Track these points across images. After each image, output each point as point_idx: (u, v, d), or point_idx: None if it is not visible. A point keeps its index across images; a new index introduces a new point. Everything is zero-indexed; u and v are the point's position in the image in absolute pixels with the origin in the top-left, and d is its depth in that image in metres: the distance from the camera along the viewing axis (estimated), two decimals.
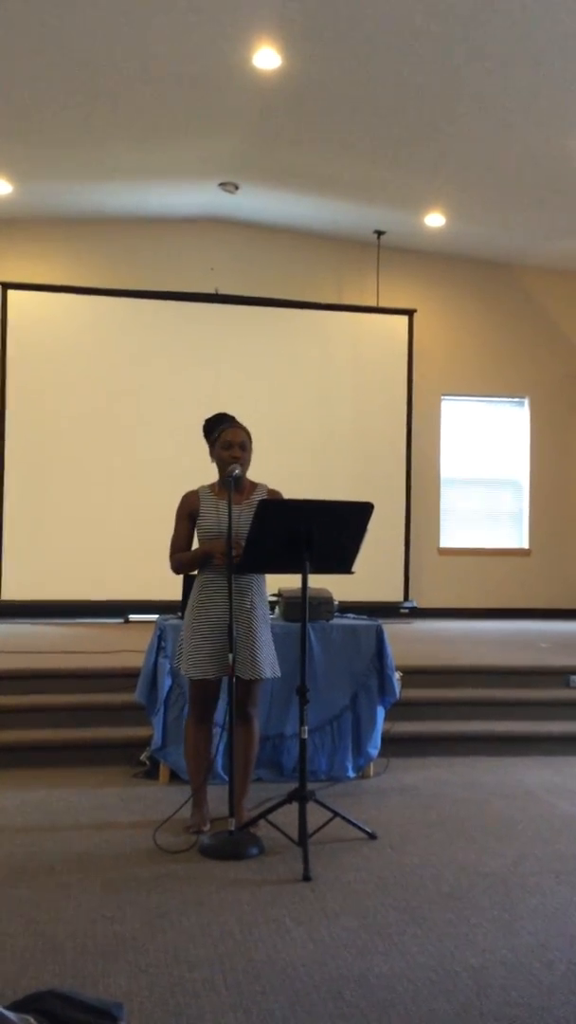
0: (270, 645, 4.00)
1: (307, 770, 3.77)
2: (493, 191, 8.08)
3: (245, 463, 3.96)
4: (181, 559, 3.99)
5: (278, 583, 4.49)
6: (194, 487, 4.07)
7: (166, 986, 2.58)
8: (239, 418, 4.08)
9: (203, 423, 4.10)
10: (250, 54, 5.99)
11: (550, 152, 7.18)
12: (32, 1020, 1.74)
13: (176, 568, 4.03)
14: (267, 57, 6.01)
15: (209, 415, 4.13)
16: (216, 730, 4.16)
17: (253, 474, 4.08)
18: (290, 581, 4.19)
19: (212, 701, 3.99)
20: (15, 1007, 1.88)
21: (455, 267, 9.85)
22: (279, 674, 4.04)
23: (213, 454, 4.03)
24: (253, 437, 4.03)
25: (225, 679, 3.87)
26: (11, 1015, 1.65)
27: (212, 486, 4.05)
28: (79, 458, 8.65)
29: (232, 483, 3.84)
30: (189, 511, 3.99)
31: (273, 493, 4.03)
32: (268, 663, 3.95)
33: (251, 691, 3.98)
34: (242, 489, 3.99)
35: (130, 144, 7.51)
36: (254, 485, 4.06)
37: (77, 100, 6.66)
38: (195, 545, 4.01)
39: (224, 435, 3.96)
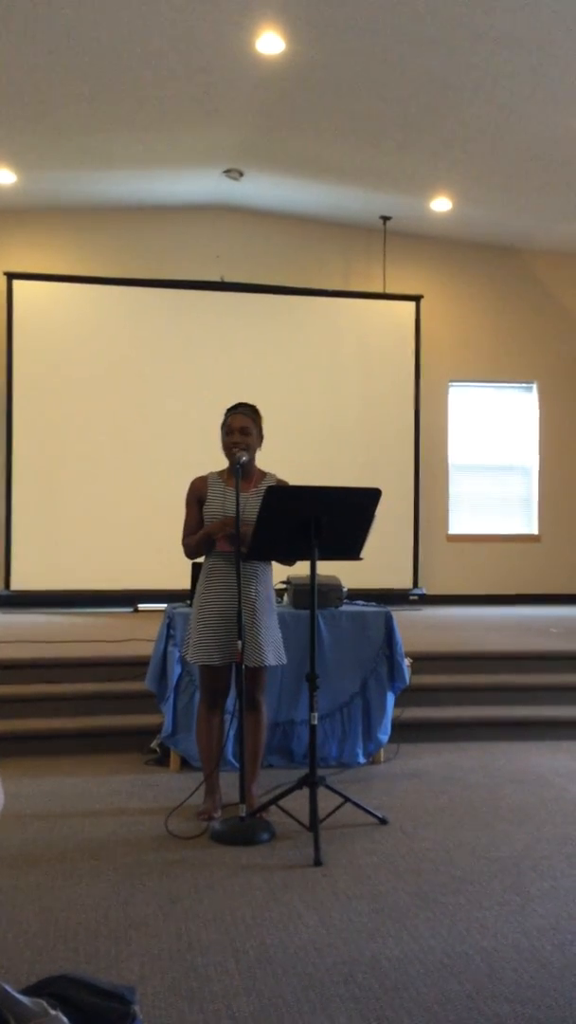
0: (275, 632, 4.02)
1: (317, 756, 3.78)
2: (499, 174, 8.02)
3: (249, 447, 3.95)
4: (190, 543, 4.02)
5: (288, 571, 4.50)
6: (203, 474, 4.09)
7: (179, 970, 2.59)
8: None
9: None
10: (253, 39, 5.95)
11: (556, 133, 7.12)
12: (45, 1004, 1.76)
13: (187, 553, 4.06)
14: (271, 42, 5.97)
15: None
16: (226, 717, 4.17)
17: (261, 461, 4.08)
18: (299, 569, 4.21)
19: (222, 688, 4.01)
20: (29, 991, 1.90)
21: (462, 252, 9.80)
22: (284, 661, 4.05)
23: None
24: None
25: (234, 666, 3.89)
26: (25, 999, 1.67)
27: (222, 472, 4.07)
28: (87, 448, 8.65)
29: (240, 470, 3.85)
30: (197, 496, 4.02)
31: (281, 483, 4.03)
32: (272, 650, 3.96)
33: (258, 678, 3.99)
34: (250, 477, 3.99)
35: (134, 132, 7.48)
36: (263, 474, 4.06)
37: (81, 89, 6.63)
38: None
39: (225, 421, 3.99)
